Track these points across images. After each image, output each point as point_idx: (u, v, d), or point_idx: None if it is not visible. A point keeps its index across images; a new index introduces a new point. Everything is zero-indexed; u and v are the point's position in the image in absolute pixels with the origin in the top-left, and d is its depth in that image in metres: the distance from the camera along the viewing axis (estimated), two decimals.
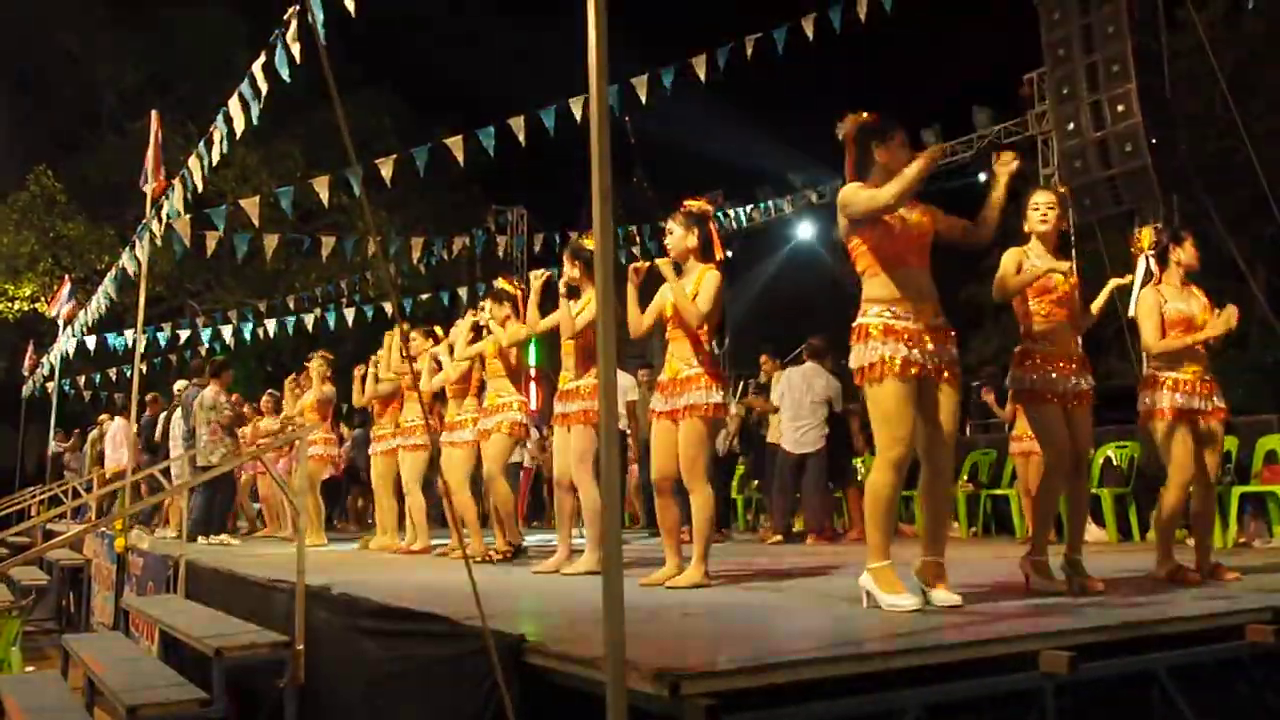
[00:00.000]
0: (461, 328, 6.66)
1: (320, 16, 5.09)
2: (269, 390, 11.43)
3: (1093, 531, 7.45)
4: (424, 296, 15.34)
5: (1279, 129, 15.85)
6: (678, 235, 4.67)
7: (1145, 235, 4.85)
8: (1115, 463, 8.00)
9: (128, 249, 8.76)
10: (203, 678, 4.23)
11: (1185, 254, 4.73)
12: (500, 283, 6.32)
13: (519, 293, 6.11)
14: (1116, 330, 14.62)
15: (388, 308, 14.94)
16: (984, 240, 3.86)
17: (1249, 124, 12.00)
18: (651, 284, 4.76)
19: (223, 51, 18.96)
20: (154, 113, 8.50)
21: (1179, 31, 13.08)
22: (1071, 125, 11.07)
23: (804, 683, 2.42)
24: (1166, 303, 4.63)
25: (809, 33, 8.47)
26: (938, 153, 3.55)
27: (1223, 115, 13.16)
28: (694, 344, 4.59)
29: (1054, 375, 4.23)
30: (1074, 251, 12.07)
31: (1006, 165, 3.88)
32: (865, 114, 3.75)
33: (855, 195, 3.61)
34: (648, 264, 4.75)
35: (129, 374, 9.97)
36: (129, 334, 14.22)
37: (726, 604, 3.90)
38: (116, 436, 11.84)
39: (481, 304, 6.55)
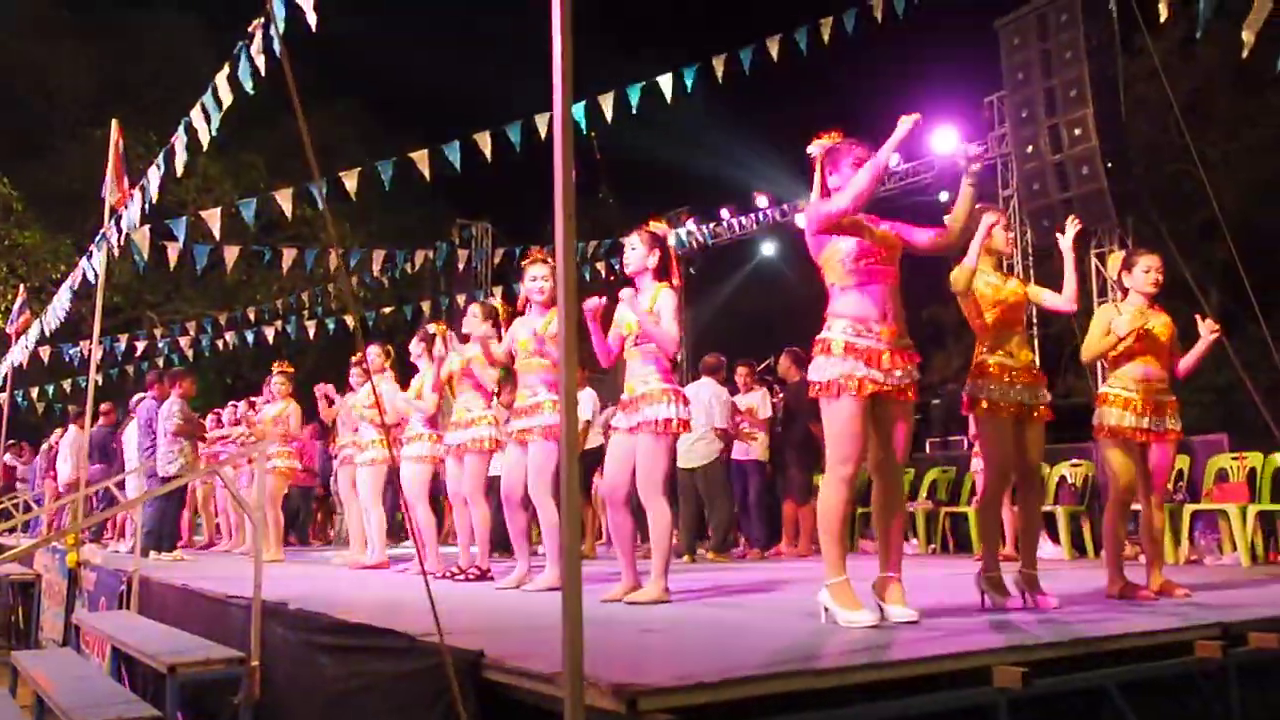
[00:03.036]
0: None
1: (282, 29, 5.06)
2: (230, 402, 11.32)
3: (1048, 548, 7.54)
4: (387, 310, 15.27)
5: (1232, 155, 16.24)
6: (639, 252, 4.69)
7: (1112, 260, 4.95)
8: (1070, 480, 8.12)
9: (85, 258, 8.63)
10: (156, 695, 4.17)
11: (1134, 280, 4.80)
12: (496, 303, 6.31)
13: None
14: (1074, 350, 14.85)
15: (349, 321, 14.86)
16: (953, 249, 3.90)
17: (1202, 150, 12.27)
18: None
19: (188, 60, 18.82)
20: (114, 121, 8.40)
21: (1135, 58, 13.36)
22: (1030, 148, 11.23)
23: (761, 698, 2.44)
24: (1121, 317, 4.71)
25: (774, 54, 8.55)
26: (905, 130, 3.56)
27: (1177, 141, 13.43)
28: (652, 360, 4.60)
29: (1009, 387, 4.29)
30: (1031, 273, 12.25)
31: (975, 173, 3.78)
32: (829, 135, 3.81)
33: (816, 208, 3.70)
34: (601, 302, 4.70)
35: (85, 385, 9.82)
36: (85, 344, 14.01)
37: (686, 620, 3.91)
38: (73, 448, 11.66)
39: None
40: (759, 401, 8.76)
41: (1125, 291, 4.85)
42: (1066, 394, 15.72)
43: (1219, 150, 16.08)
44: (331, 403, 8.29)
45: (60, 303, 9.64)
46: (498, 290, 15.26)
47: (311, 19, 5.15)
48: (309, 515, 12.55)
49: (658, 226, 4.83)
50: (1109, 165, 10.49)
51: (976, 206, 4.41)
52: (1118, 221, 10.84)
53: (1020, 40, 11.32)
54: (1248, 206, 15.75)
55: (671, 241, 4.90)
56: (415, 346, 6.83)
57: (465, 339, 6.20)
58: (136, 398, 10.27)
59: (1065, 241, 4.57)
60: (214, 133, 6.67)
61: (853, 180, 3.59)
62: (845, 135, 3.81)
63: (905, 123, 3.56)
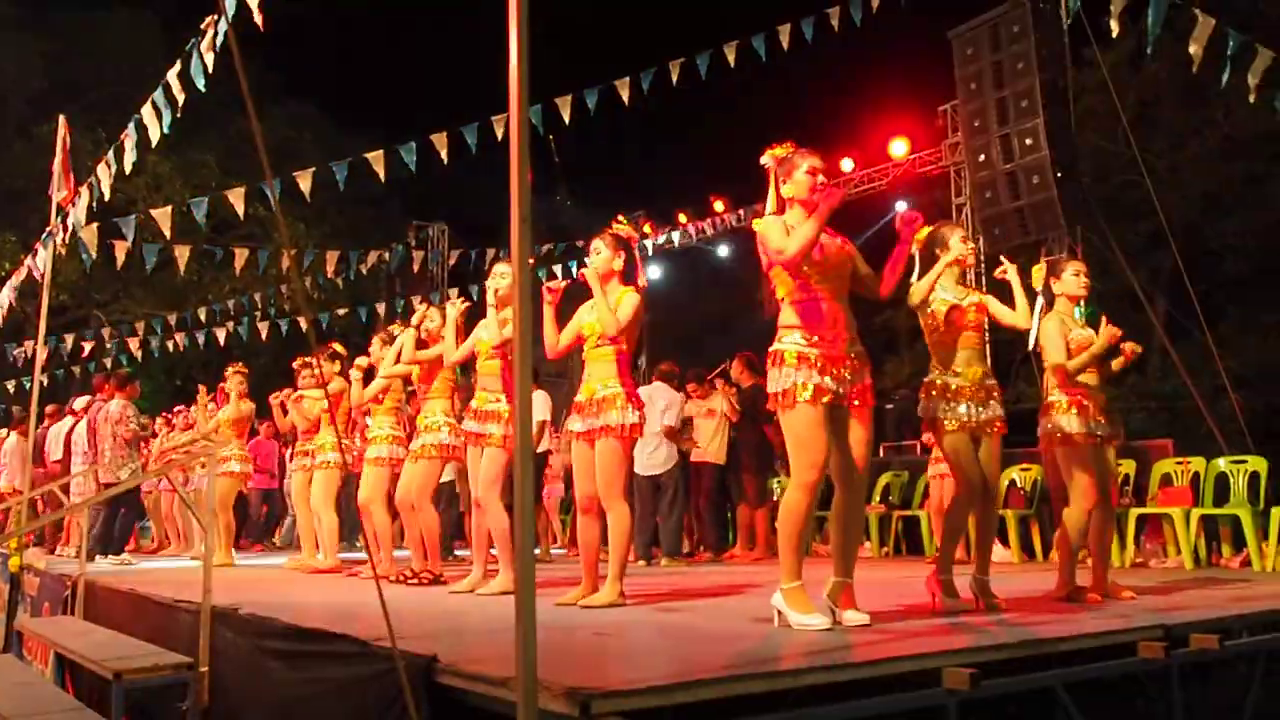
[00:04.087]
0: (402, 342, 6.53)
1: (233, 26, 5.01)
2: (178, 406, 11.16)
3: (997, 551, 7.65)
4: (341, 311, 15.12)
5: (1178, 166, 16.60)
6: (604, 256, 4.70)
7: (1036, 272, 5.01)
8: (1019, 485, 8.23)
9: (31, 256, 8.46)
10: (101, 702, 4.09)
11: (1063, 285, 4.88)
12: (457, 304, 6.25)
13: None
14: (1024, 357, 15.09)
15: (302, 322, 14.69)
16: (880, 297, 3.95)
17: (1150, 161, 12.50)
18: (569, 306, 4.78)
19: (137, 56, 18.50)
20: (61, 118, 8.24)
21: (1085, 70, 13.61)
22: (982, 157, 11.39)
23: (714, 701, 2.45)
24: (1071, 330, 4.80)
25: (731, 60, 8.60)
26: (835, 200, 3.60)
27: (1125, 152, 13.70)
28: (612, 364, 4.61)
29: (962, 405, 4.34)
30: (983, 280, 12.42)
31: (919, 237, 3.99)
32: (781, 146, 3.84)
33: (769, 234, 3.69)
34: (563, 283, 4.76)
35: (29, 386, 9.62)
36: (29, 344, 13.73)
37: (640, 623, 3.92)
38: (15, 452, 11.40)
39: (427, 312, 6.45)
40: (719, 402, 8.74)
41: (1053, 299, 4.92)
42: (1017, 399, 15.96)
43: (1166, 161, 16.43)
44: (286, 411, 8.22)
45: (3, 301, 9.43)
46: (453, 292, 15.20)
47: (258, 18, 5.10)
48: (270, 516, 12.42)
49: (622, 229, 4.84)
50: (1059, 174, 10.67)
51: (934, 226, 4.50)
52: (1067, 230, 11.01)
53: (973, 51, 11.47)
54: (1194, 217, 16.11)
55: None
56: (376, 348, 6.75)
57: (423, 344, 6.15)
58: (83, 400, 10.08)
59: (1010, 275, 4.62)
60: (166, 130, 6.58)
61: (795, 235, 3.59)
62: (797, 146, 3.84)
63: (835, 194, 3.58)
